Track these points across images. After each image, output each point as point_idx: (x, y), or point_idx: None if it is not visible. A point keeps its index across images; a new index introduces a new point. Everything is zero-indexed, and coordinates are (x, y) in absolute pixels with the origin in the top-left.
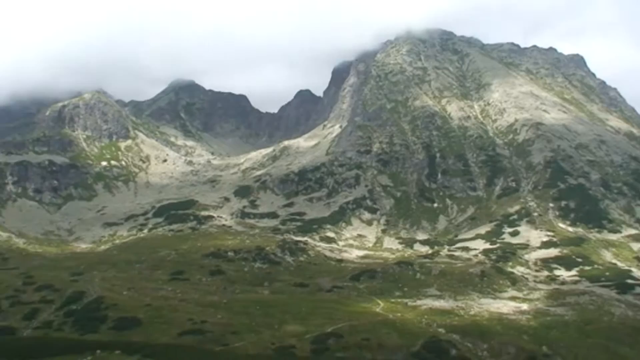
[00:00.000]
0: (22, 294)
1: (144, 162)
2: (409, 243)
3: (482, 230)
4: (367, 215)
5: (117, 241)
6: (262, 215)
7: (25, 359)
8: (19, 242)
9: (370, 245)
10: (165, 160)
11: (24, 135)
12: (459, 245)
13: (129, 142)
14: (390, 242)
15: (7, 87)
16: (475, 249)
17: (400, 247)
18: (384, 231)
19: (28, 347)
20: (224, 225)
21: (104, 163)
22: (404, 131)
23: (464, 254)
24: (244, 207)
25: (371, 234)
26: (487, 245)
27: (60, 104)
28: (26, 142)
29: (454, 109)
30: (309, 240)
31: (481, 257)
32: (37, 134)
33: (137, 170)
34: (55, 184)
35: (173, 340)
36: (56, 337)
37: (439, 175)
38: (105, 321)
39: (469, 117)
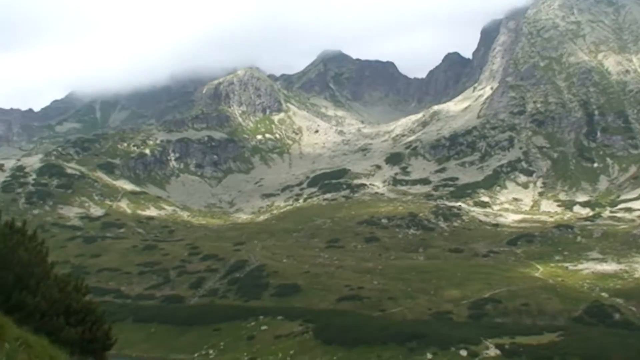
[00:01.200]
0: (188, 263)
1: (296, 133)
2: (568, 205)
3: None
4: (522, 178)
5: (275, 211)
6: (414, 182)
7: (192, 326)
8: (183, 215)
9: (527, 209)
10: (316, 131)
11: (183, 114)
12: (621, 206)
13: (282, 115)
14: (548, 205)
15: (166, 68)
16: (638, 210)
17: (558, 210)
18: (541, 194)
19: (195, 315)
20: (376, 192)
21: (259, 137)
22: (559, 89)
23: (627, 215)
24: (396, 174)
25: (527, 197)
26: None
27: (216, 82)
28: (186, 119)
29: (612, 64)
30: (463, 205)
31: None
32: (196, 111)
33: (290, 142)
34: (215, 159)
35: (332, 305)
36: (221, 304)
37: (598, 134)
38: (267, 288)
39: (627, 71)
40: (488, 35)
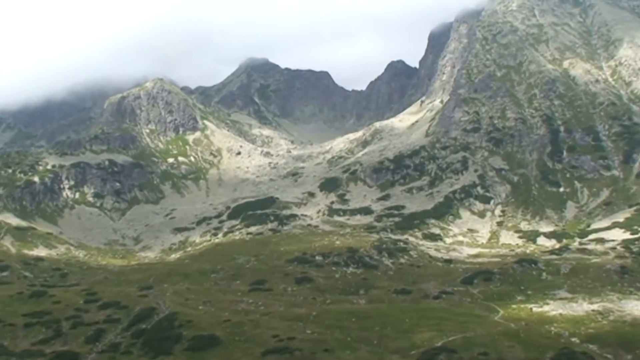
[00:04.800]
0: (84, 313)
1: (215, 156)
2: (531, 236)
3: (620, 217)
4: (478, 206)
5: (189, 249)
6: (354, 212)
7: None
8: (78, 255)
9: (484, 241)
10: (239, 153)
11: (80, 133)
12: (592, 236)
13: (198, 134)
14: (508, 237)
15: (63, 80)
16: (612, 240)
17: (520, 242)
18: (499, 224)
19: None
20: (309, 225)
21: (171, 160)
22: (518, 102)
23: (599, 247)
24: (332, 202)
25: (484, 227)
26: (627, 235)
27: (119, 95)
28: (82, 140)
29: (579, 73)
30: (410, 238)
31: (620, 249)
32: (95, 130)
33: (207, 166)
34: (118, 187)
35: None
36: None
37: (564, 153)
38: (179, 341)
39: (597, 81)
40: (437, 40)
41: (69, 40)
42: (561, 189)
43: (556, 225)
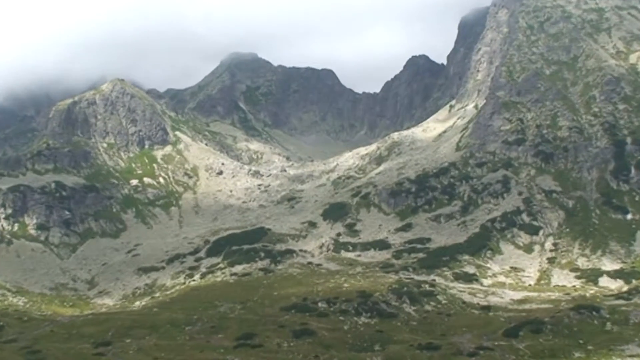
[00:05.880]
0: None
1: (190, 176)
2: (591, 276)
3: None
4: (524, 238)
5: (158, 294)
6: (366, 246)
7: None
8: (17, 302)
9: (532, 282)
10: (220, 173)
11: (19, 149)
12: None
13: (168, 149)
14: (562, 277)
15: (1, 84)
16: None
17: (577, 283)
18: (551, 260)
19: None
20: (310, 263)
21: (135, 182)
22: (573, 107)
23: None
24: (339, 234)
25: (532, 265)
26: None
27: (69, 101)
28: (22, 157)
29: None
30: (438, 279)
31: None
32: (38, 145)
33: (181, 189)
34: (67, 216)
35: None
36: None
37: (632, 171)
38: None
39: None
40: (469, 30)
41: (5, 35)
42: (629, 216)
43: (623, 262)
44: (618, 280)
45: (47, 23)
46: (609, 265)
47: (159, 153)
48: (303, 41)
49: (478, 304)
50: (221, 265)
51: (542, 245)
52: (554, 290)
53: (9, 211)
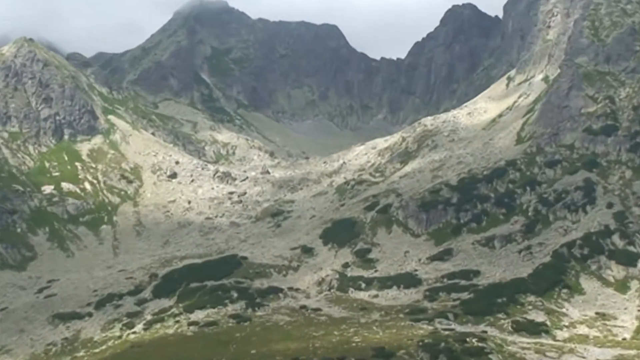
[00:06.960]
0: None
1: (129, 181)
2: None
3: None
4: (615, 271)
5: (82, 352)
6: (386, 282)
7: None
8: None
9: (628, 335)
10: (173, 176)
11: None
12: None
13: (98, 140)
14: None
15: None
16: None
17: None
18: None
19: None
20: (303, 307)
21: (49, 189)
22: None
23: None
24: (346, 265)
25: (628, 310)
26: None
27: None
28: None
29: None
30: (490, 330)
31: None
32: None
33: (116, 199)
34: None
35: None
36: None
37: None
38: None
39: None
40: None
41: None
42: None
43: None
44: None
45: None
46: None
47: (84, 147)
48: None
49: None
50: (175, 310)
51: None
52: None
53: None
